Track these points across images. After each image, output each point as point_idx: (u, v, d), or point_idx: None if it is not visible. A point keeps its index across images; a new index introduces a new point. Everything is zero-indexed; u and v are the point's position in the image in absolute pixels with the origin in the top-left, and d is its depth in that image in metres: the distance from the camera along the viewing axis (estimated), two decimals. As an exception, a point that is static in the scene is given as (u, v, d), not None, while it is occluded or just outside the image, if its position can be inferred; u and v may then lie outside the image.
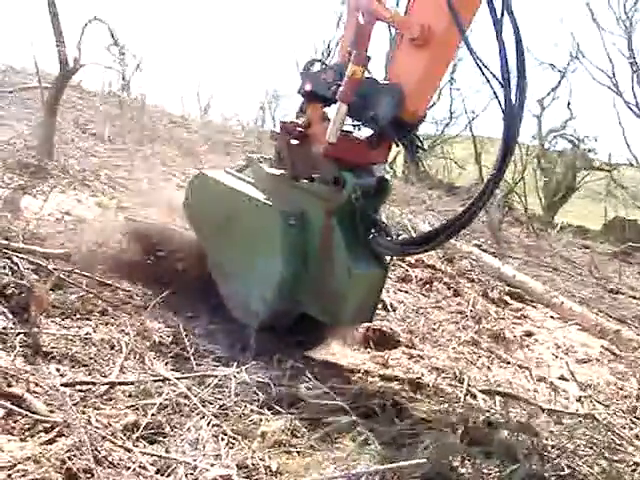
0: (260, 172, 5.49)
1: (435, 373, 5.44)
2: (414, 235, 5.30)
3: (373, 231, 5.00)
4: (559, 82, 26.68)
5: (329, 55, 24.59)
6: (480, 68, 4.27)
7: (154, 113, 16.79)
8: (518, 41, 4.22)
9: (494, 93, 4.29)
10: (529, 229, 17.16)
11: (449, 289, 8.57)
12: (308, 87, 5.25)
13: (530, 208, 22.49)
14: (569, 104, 26.49)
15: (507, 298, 9.11)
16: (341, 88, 4.78)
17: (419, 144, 5.03)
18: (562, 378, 6.35)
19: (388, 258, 5.24)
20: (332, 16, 26.95)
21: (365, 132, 5.13)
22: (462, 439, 3.80)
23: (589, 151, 26.08)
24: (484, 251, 11.69)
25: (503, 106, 4.27)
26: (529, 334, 7.74)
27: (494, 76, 4.26)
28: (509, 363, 6.52)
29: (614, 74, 23.64)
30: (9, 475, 2.95)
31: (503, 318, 8.12)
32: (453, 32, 4.50)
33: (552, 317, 8.81)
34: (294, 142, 5.18)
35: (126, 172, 10.41)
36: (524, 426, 4.21)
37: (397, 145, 5.09)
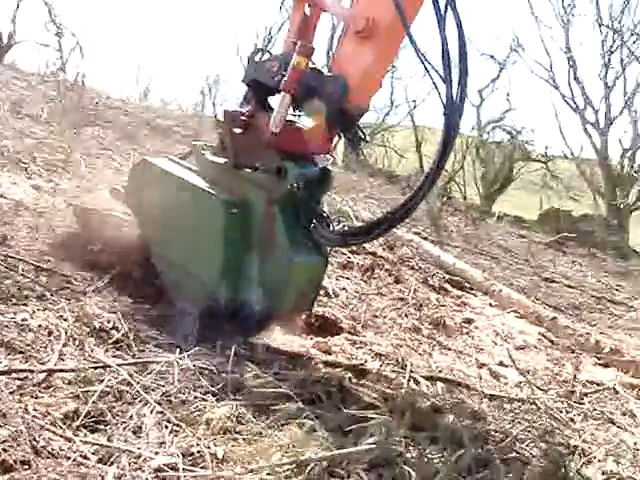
0: (203, 160, 5.46)
1: (378, 359, 5.48)
2: (355, 224, 5.34)
3: (314, 221, 5.01)
4: (499, 74, 27.20)
5: (270, 41, 24.41)
6: (423, 63, 4.35)
7: (93, 95, 16.41)
8: (461, 37, 4.30)
9: (436, 88, 4.37)
10: (468, 218, 17.42)
11: (390, 276, 8.61)
12: (252, 76, 5.23)
13: (469, 197, 22.87)
14: (508, 95, 27.02)
15: (447, 286, 9.20)
16: (285, 78, 4.78)
17: (361, 135, 5.07)
18: (501, 364, 6.46)
19: (329, 248, 5.26)
20: (275, 1, 26.83)
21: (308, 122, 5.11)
22: (407, 425, 3.81)
23: (526, 143, 26.63)
24: (424, 239, 11.81)
25: (444, 101, 4.34)
26: (469, 321, 7.82)
27: (436, 71, 4.34)
28: (450, 349, 6.61)
29: (552, 68, 24.17)
30: (-59, 469, 2.83)
31: (444, 305, 8.20)
32: (398, 25, 4.53)
33: (491, 305, 8.94)
34: (237, 131, 5.15)
35: (63, 155, 10.13)
36: (468, 411, 4.25)
37: (340, 136, 5.12)
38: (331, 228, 5.04)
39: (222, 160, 5.31)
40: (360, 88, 4.81)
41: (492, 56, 26.71)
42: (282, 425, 3.70)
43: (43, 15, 10.18)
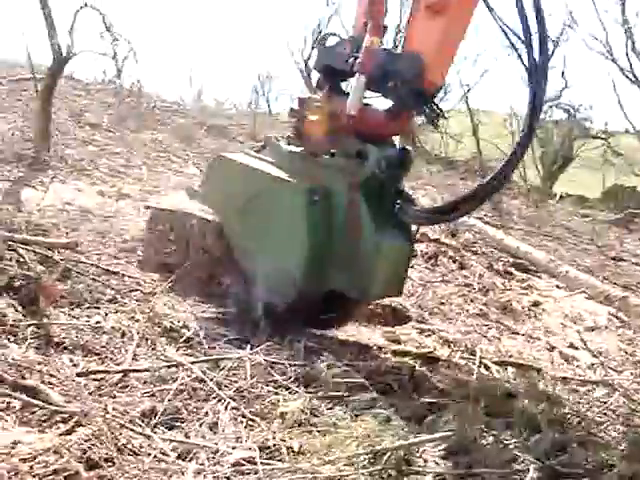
0: (279, 151, 5.42)
1: (447, 346, 5.45)
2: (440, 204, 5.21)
3: (399, 202, 4.92)
4: (553, 51, 26.49)
5: (320, 34, 24.30)
6: (502, 29, 4.23)
7: (149, 99, 16.68)
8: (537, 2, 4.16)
9: (518, 55, 4.27)
10: (529, 200, 17.12)
11: (454, 262, 8.56)
12: (323, 61, 5.21)
13: (528, 179, 22.44)
14: (563, 73, 26.33)
15: (512, 269, 9.10)
16: (359, 59, 4.73)
17: (439, 113, 4.95)
18: (572, 346, 6.37)
19: (415, 231, 5.20)
20: (322, -6, 26.75)
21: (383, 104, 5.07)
22: (482, 411, 3.77)
23: (585, 120, 25.94)
24: (486, 223, 11.66)
25: (527, 68, 4.23)
26: (536, 304, 7.71)
27: (517, 35, 4.23)
28: (518, 334, 6.55)
29: (608, 41, 23.49)
30: (31, 467, 2.91)
31: (510, 289, 8.12)
32: None
33: (558, 287, 8.80)
34: (313, 118, 5.09)
35: (124, 160, 10.34)
36: (542, 395, 4.18)
37: (418, 114, 5.08)
38: (417, 207, 4.95)
39: (298, 149, 5.28)
40: (435, 65, 4.69)
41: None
42: (356, 416, 3.70)
43: (98, 25, 10.35)
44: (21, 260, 4.87)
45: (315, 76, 5.40)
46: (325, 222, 4.95)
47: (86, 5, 9.35)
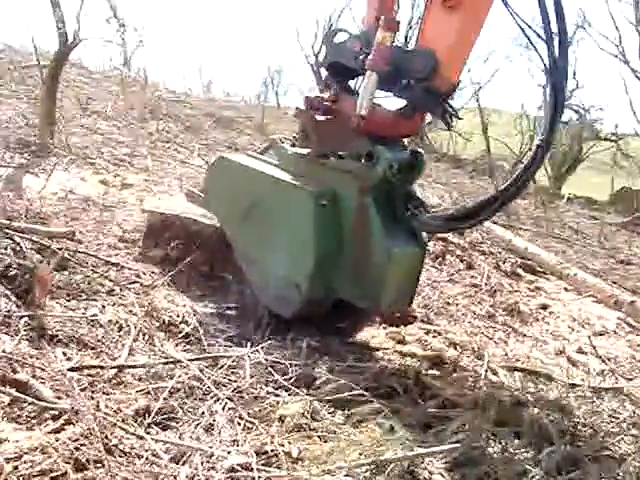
0: (284, 153, 5.21)
1: (453, 349, 5.30)
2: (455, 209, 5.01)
3: (410, 207, 4.70)
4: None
5: (331, 28, 24.16)
6: (520, 26, 4.08)
7: (156, 89, 16.56)
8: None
9: (536, 50, 4.11)
10: (537, 200, 16.95)
11: (462, 262, 8.40)
12: (332, 59, 4.98)
13: (537, 180, 22.26)
14: (575, 74, 26.11)
15: (520, 271, 8.93)
16: (370, 56, 4.50)
17: (453, 112, 4.72)
18: (580, 351, 6.19)
19: (428, 236, 4.97)
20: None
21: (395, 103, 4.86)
22: (490, 420, 3.61)
23: (595, 121, 25.75)
24: (494, 223, 11.48)
25: (547, 66, 4.07)
26: (544, 307, 7.56)
27: (535, 32, 4.08)
28: (526, 336, 6.40)
29: (621, 42, 23.27)
30: (15, 467, 2.78)
31: (517, 291, 7.97)
32: None
33: (566, 289, 8.63)
34: (320, 118, 4.87)
35: (129, 149, 10.22)
36: (552, 404, 4.02)
37: (431, 114, 4.85)
38: (430, 214, 4.73)
39: (305, 151, 5.06)
40: (449, 62, 4.47)
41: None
42: (359, 422, 3.55)
43: (105, 11, 10.23)
44: (17, 249, 4.74)
45: (323, 73, 5.17)
46: (333, 227, 4.74)
47: (94, -10, 9.19)
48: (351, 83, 5.03)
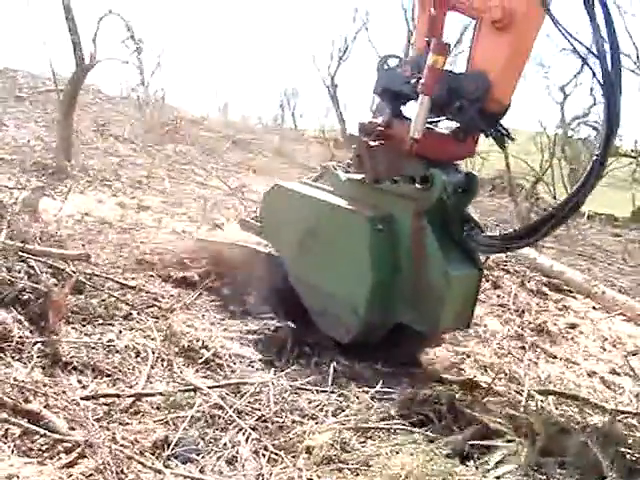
0: (338, 179, 5.25)
1: (485, 372, 5.14)
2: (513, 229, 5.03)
3: (466, 229, 4.71)
4: (581, 68, 26.08)
5: (346, 50, 24.11)
6: (571, 43, 4.05)
7: (173, 112, 16.52)
8: (607, 13, 3.94)
9: (589, 67, 4.17)
10: (559, 218, 16.69)
11: (487, 281, 8.17)
12: (383, 85, 5.01)
13: (558, 197, 22.00)
14: (592, 90, 25.89)
15: (546, 289, 8.73)
16: (422, 80, 4.51)
17: (506, 133, 4.73)
18: (614, 372, 6.00)
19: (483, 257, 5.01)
20: (347, 10, 26.57)
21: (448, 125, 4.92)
22: (535, 450, 3.36)
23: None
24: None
25: (599, 77, 4.00)
26: (573, 326, 7.36)
27: (587, 48, 4.04)
28: (556, 357, 6.18)
29: (638, 57, 23.06)
30: (25, 506, 2.59)
31: (546, 310, 7.76)
32: (535, 10, 4.25)
33: (594, 308, 8.41)
34: (374, 143, 4.86)
35: (146, 171, 10.12)
36: (600, 431, 3.75)
37: (486, 136, 4.80)
38: (487, 234, 4.74)
39: (359, 176, 5.07)
40: (501, 83, 4.49)
41: (574, 50, 25.70)
42: (392, 452, 3.33)
43: (122, 34, 10.18)
44: (31, 272, 4.58)
45: (375, 100, 5.24)
46: (389, 251, 4.78)
47: (110, 12, 9.14)
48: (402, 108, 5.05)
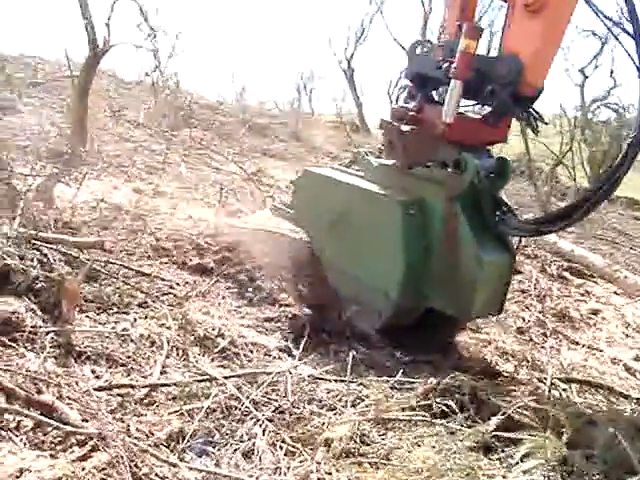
0: (369, 164, 5.28)
1: (506, 359, 5.03)
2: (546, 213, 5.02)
3: (499, 213, 4.71)
4: (601, 49, 25.67)
5: (362, 33, 23.84)
6: (607, 27, 4.15)
7: (188, 96, 16.41)
8: None
9: (625, 50, 4.07)
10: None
11: (508, 266, 8.04)
12: (415, 70, 5.02)
13: (577, 181, 21.74)
14: (612, 72, 25.48)
15: (566, 274, 8.58)
16: (454, 64, 4.49)
17: (539, 117, 4.73)
18: (637, 358, 5.90)
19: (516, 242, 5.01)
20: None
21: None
22: (562, 442, 3.23)
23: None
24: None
25: (637, 62, 4.00)
26: (595, 312, 7.23)
27: (625, 30, 4.02)
28: (578, 344, 6.06)
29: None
30: (37, 501, 2.52)
31: (567, 296, 7.62)
32: None
33: (616, 293, 8.26)
34: (406, 128, 4.86)
35: (162, 157, 10.02)
36: (630, 422, 3.62)
37: (518, 120, 4.89)
38: (520, 218, 4.76)
39: (391, 161, 5.09)
40: (534, 66, 4.47)
41: (593, 32, 25.26)
42: (413, 444, 3.24)
43: (136, 17, 10.07)
44: (44, 260, 4.50)
45: (406, 85, 5.17)
46: (421, 236, 4.79)
47: (124, -4, 9.02)
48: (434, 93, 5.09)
